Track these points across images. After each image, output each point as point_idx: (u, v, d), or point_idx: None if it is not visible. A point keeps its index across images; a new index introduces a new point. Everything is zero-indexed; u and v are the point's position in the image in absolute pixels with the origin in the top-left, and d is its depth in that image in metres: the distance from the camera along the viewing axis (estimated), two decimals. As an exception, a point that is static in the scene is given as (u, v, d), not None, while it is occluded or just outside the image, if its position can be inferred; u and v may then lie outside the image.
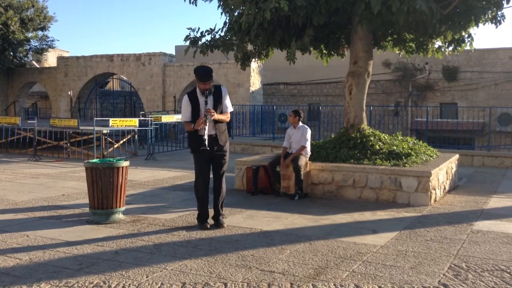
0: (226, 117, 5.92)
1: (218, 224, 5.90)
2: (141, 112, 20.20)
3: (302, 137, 8.09)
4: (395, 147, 8.60)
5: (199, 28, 9.09)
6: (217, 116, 5.72)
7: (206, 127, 5.65)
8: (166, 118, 16.27)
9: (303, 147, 8.05)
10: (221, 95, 5.87)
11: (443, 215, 6.81)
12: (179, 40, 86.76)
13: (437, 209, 7.22)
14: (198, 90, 5.80)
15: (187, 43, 9.22)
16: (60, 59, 25.75)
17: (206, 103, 5.69)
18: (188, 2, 9.04)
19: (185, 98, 5.85)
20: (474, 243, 5.33)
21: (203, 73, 5.69)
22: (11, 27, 23.34)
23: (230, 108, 6.00)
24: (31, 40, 25.79)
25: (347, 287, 3.93)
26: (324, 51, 10.20)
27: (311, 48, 9.48)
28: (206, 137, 5.67)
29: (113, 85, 27.69)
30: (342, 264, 4.52)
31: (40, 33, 26.01)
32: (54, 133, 15.20)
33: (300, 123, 8.30)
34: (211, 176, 5.97)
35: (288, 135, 8.34)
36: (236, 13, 8.60)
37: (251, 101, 20.96)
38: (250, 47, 9.33)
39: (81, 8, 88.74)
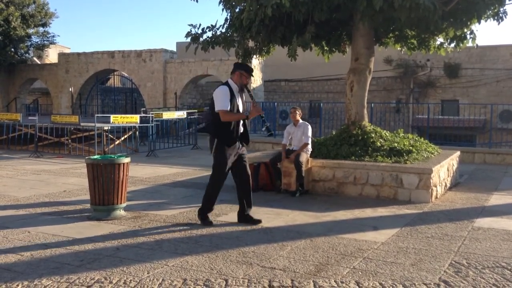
0: None
1: (254, 221, 5.89)
2: (142, 109, 20.21)
3: (304, 134, 8.08)
4: (396, 144, 8.60)
5: (200, 25, 9.08)
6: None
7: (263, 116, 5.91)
8: (167, 115, 16.28)
9: (306, 144, 8.04)
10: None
11: (444, 212, 6.81)
12: (180, 36, 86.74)
13: (438, 206, 7.22)
14: (234, 85, 5.73)
15: (188, 39, 9.20)
16: (61, 55, 25.74)
17: (251, 97, 5.91)
18: (189, -2, 9.04)
19: (225, 89, 5.65)
20: (475, 240, 5.33)
21: (249, 66, 5.89)
22: (12, 23, 23.34)
23: None
24: (32, 36, 25.80)
25: (348, 284, 3.94)
26: (326, 48, 10.18)
27: (312, 45, 9.46)
28: (268, 123, 5.94)
29: (114, 81, 27.71)
30: (343, 261, 4.53)
31: (41, 29, 26.04)
32: (55, 130, 15.21)
33: (301, 120, 8.29)
34: None
35: (287, 132, 8.32)
36: (237, 10, 8.59)
37: (252, 97, 20.93)
38: (251, 43, 9.32)
39: (82, 5, 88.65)
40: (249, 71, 5.80)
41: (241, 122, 5.80)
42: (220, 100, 5.61)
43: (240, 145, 5.81)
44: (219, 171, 5.75)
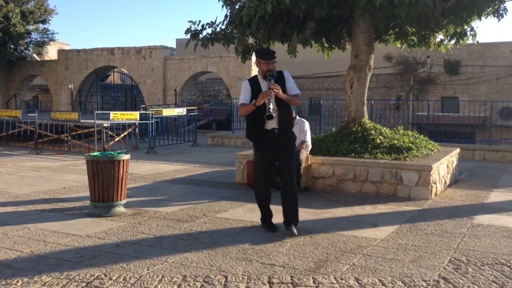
0: (292, 99, 5.24)
1: (289, 231, 5.25)
2: (141, 106, 20.19)
3: (301, 131, 8.05)
4: (396, 141, 8.59)
5: (200, 21, 9.06)
6: (282, 94, 5.08)
7: (272, 101, 5.05)
8: (167, 112, 16.26)
9: (303, 142, 8.02)
10: (284, 79, 5.30)
11: (444, 209, 6.81)
12: (180, 33, 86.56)
13: (437, 203, 7.22)
14: (259, 75, 5.32)
15: (188, 36, 9.18)
16: (61, 52, 25.70)
17: (270, 80, 5.13)
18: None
19: (245, 83, 5.31)
20: (474, 237, 5.34)
21: (265, 51, 5.33)
22: (12, 20, 23.28)
23: (296, 90, 5.33)
24: (31, 33, 25.73)
25: (347, 280, 3.94)
26: (326, 45, 10.15)
27: (312, 42, 9.43)
28: (271, 108, 5.02)
29: (114, 78, 27.66)
30: (342, 258, 4.53)
31: (40, 26, 25.96)
32: (55, 126, 15.19)
33: (297, 117, 8.23)
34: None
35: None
36: (237, 6, 8.57)
37: (252, 94, 20.89)
38: (251, 40, 9.30)
39: (81, 1, 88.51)
40: (263, 57, 5.24)
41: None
42: (241, 94, 5.36)
43: (278, 139, 5.22)
44: (256, 170, 5.43)
